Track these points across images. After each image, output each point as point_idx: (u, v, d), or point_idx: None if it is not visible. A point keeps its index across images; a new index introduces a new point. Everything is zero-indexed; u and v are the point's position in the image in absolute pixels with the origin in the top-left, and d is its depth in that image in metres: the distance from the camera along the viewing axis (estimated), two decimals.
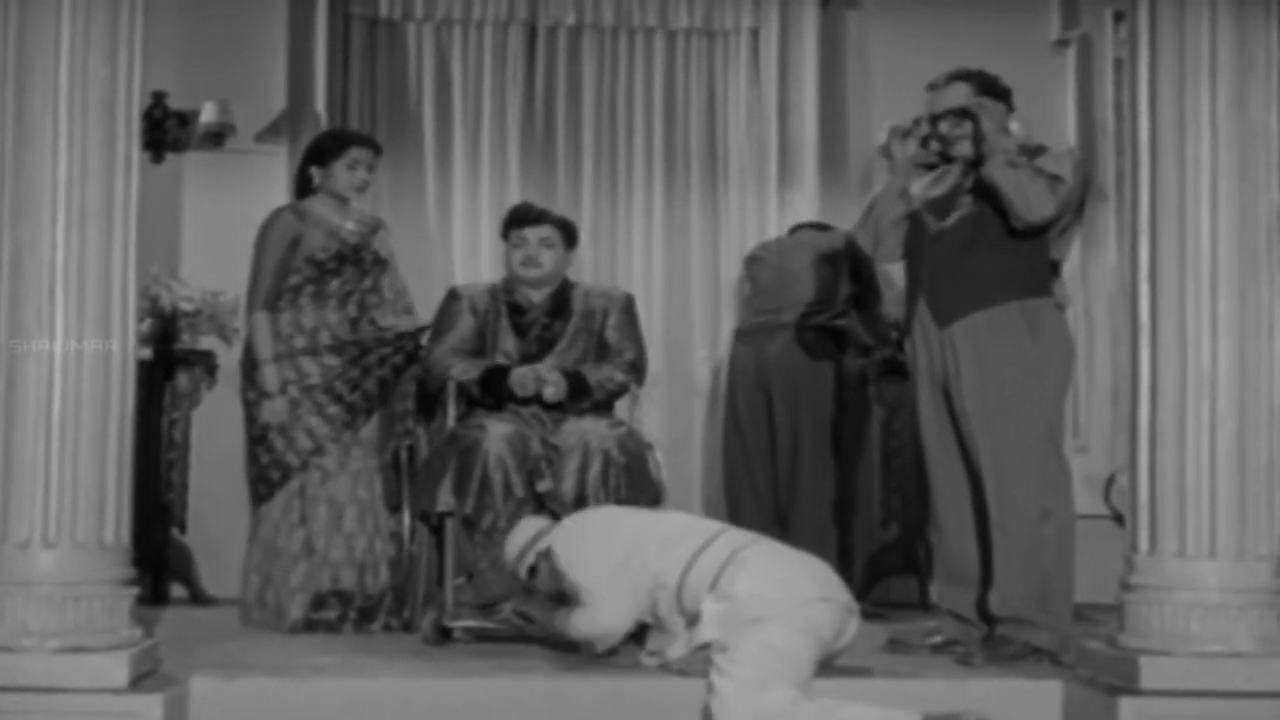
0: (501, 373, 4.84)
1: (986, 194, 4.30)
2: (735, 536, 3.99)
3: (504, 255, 5.08)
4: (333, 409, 4.96)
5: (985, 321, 4.26)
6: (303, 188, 5.15)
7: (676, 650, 3.92)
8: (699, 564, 3.89)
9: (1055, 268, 4.36)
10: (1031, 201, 4.20)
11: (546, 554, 4.18)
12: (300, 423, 4.94)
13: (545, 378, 4.79)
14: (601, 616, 4.04)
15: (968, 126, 4.36)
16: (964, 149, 4.40)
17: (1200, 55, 3.77)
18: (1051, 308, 4.31)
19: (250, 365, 5.00)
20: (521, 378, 4.80)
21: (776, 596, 3.72)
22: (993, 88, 4.42)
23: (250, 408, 4.99)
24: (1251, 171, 3.77)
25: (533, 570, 4.24)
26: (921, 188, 4.54)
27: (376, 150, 5.17)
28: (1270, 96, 3.81)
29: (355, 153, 5.08)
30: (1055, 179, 4.24)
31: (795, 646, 3.67)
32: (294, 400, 4.94)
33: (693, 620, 3.87)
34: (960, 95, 4.38)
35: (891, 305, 5.71)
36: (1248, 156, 3.77)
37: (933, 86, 4.44)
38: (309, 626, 4.87)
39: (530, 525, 4.36)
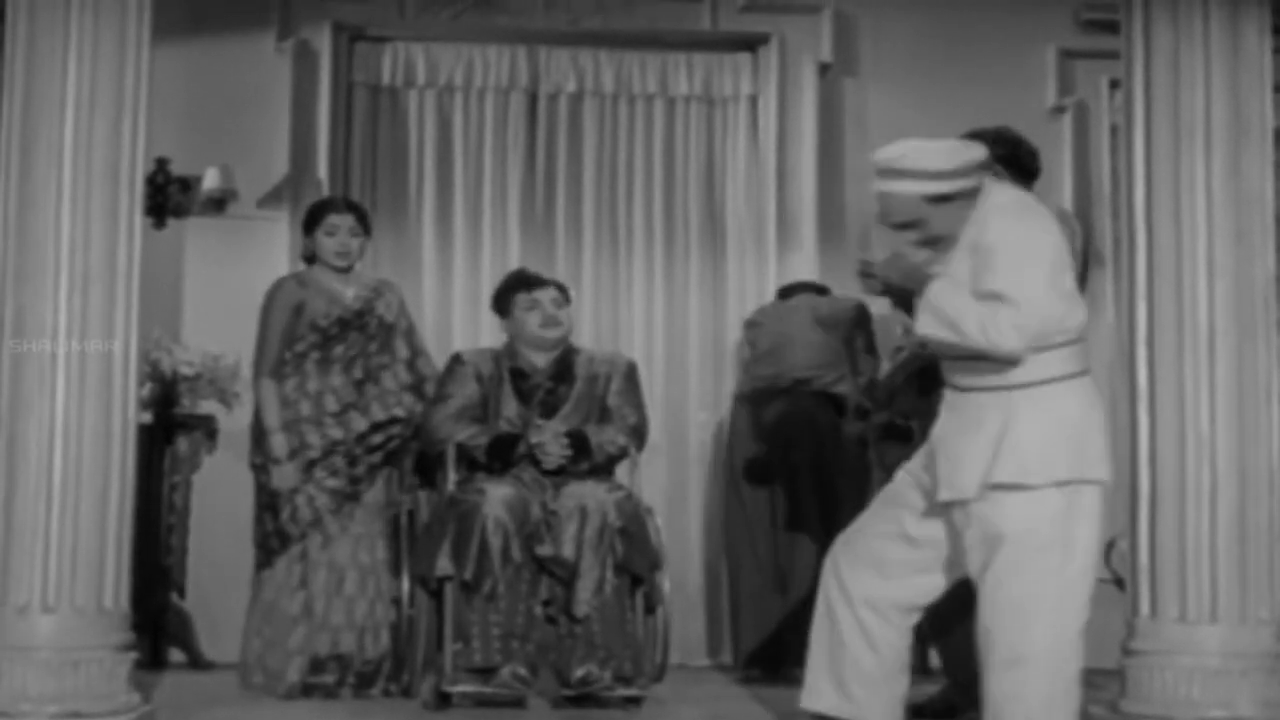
0: (510, 440, 4.85)
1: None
2: None
3: (505, 322, 5.10)
4: (333, 481, 4.97)
5: None
6: (310, 257, 5.19)
7: None
8: None
9: None
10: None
11: (973, 196, 3.45)
12: (303, 492, 4.94)
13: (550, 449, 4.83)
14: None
15: None
16: None
17: (1195, 121, 3.81)
18: None
19: (259, 432, 5.01)
20: (557, 436, 4.82)
21: None
22: (1008, 157, 4.29)
23: (258, 473, 5.00)
24: (1247, 236, 3.79)
25: (911, 225, 3.44)
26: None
27: (358, 215, 5.19)
28: (1265, 162, 3.84)
29: (332, 219, 5.12)
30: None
31: None
32: (300, 467, 4.94)
33: None
34: None
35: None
36: (1243, 221, 3.79)
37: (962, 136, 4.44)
38: (305, 691, 4.85)
39: (971, 150, 3.56)
